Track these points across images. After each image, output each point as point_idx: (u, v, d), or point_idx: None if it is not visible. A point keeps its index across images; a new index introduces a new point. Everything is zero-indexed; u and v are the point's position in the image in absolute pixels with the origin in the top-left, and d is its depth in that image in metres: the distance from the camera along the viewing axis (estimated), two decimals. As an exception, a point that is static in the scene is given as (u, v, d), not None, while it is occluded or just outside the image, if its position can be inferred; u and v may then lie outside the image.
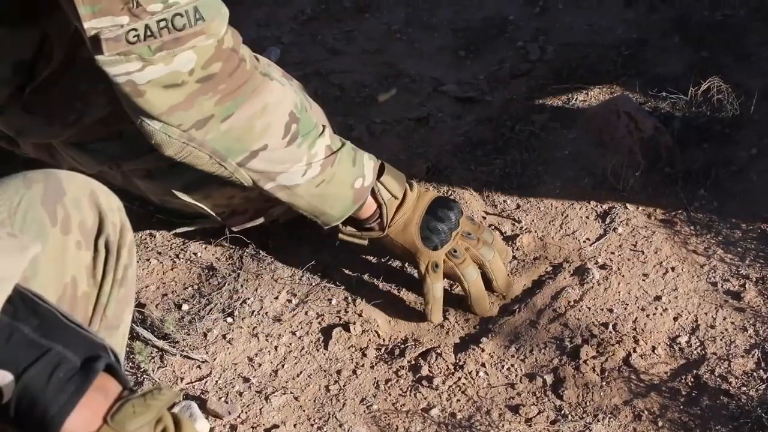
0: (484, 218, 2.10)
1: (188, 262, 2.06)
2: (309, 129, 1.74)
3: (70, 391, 0.96)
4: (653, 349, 1.81)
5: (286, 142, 1.70)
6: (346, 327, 1.90)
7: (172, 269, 2.05)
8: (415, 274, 1.93)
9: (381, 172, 1.86)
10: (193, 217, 2.05)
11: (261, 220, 2.01)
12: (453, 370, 1.82)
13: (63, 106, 1.80)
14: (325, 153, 1.76)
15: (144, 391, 1.00)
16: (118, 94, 1.58)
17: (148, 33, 1.50)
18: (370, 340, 1.89)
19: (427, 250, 1.87)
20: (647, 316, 1.87)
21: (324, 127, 1.79)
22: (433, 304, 1.88)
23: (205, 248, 2.09)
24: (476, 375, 1.80)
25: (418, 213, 1.88)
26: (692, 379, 1.75)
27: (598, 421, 1.70)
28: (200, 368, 1.85)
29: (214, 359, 1.86)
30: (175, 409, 1.70)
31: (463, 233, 1.91)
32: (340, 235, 1.91)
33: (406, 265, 2.00)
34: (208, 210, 1.95)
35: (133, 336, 1.86)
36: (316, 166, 1.75)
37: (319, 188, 1.78)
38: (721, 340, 1.81)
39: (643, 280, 1.94)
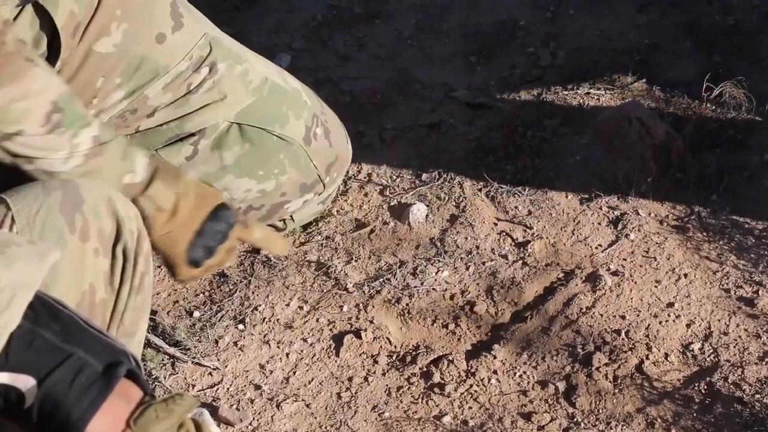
0: (496, 224, 2.10)
1: (200, 268, 2.06)
2: (75, 119, 1.62)
3: (93, 396, 0.97)
4: (666, 356, 1.81)
5: (45, 130, 1.59)
6: (357, 334, 1.89)
7: (183, 276, 2.05)
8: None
9: (154, 173, 1.68)
10: None
11: (277, 216, 2.01)
12: (465, 377, 1.81)
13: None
14: (92, 143, 1.62)
15: (166, 397, 1.01)
16: None
17: None
18: (381, 347, 1.88)
19: (188, 269, 1.70)
20: (660, 322, 1.86)
21: (94, 118, 1.68)
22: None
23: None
24: (488, 382, 1.80)
25: (191, 230, 1.68)
26: (705, 387, 1.75)
27: (611, 428, 1.69)
28: (212, 375, 1.85)
29: (226, 366, 1.86)
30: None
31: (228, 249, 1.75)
32: None
33: (418, 271, 2.00)
34: None
35: (145, 343, 1.85)
36: (79, 156, 1.62)
37: (83, 178, 1.63)
38: (734, 347, 1.81)
39: (656, 287, 1.93)
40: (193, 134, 1.89)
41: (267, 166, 1.94)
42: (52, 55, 1.74)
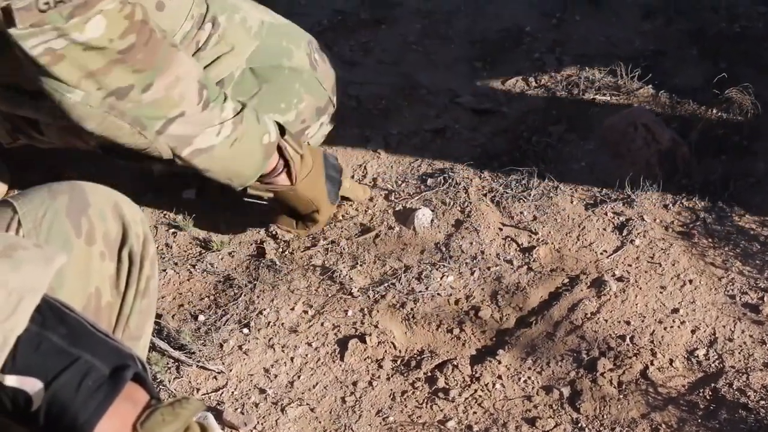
0: (501, 230, 2.10)
1: (205, 272, 2.06)
2: (216, 94, 1.80)
3: (99, 399, 0.97)
4: (671, 362, 1.80)
5: (200, 107, 1.76)
6: (362, 338, 1.89)
7: (188, 280, 2.05)
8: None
9: (282, 130, 1.94)
10: None
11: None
12: (469, 382, 1.81)
13: None
14: (233, 113, 1.82)
15: (172, 400, 1.01)
16: (35, 73, 1.61)
17: None
18: (386, 351, 1.88)
19: (329, 204, 2.05)
20: (665, 328, 1.86)
21: (226, 91, 1.88)
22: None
23: (222, 259, 2.09)
24: (493, 387, 1.80)
25: (319, 168, 2.01)
26: (710, 393, 1.74)
27: (616, 434, 1.69)
28: (216, 379, 1.85)
29: (230, 370, 1.86)
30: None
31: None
32: (248, 192, 1.97)
33: (423, 276, 2.00)
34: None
35: (150, 346, 1.86)
36: (227, 125, 1.81)
37: (233, 148, 1.83)
38: (739, 353, 1.81)
39: (661, 293, 1.93)
40: None
41: (287, 98, 2.07)
42: None
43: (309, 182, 1.99)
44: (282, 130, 1.94)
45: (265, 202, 2.00)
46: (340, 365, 1.86)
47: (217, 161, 1.85)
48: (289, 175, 1.96)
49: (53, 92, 1.64)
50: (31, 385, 0.96)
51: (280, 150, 1.93)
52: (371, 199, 2.19)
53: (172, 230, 2.16)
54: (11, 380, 0.96)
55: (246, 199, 1.99)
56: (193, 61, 1.80)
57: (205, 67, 1.96)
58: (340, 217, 2.16)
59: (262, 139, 1.88)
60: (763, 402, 1.71)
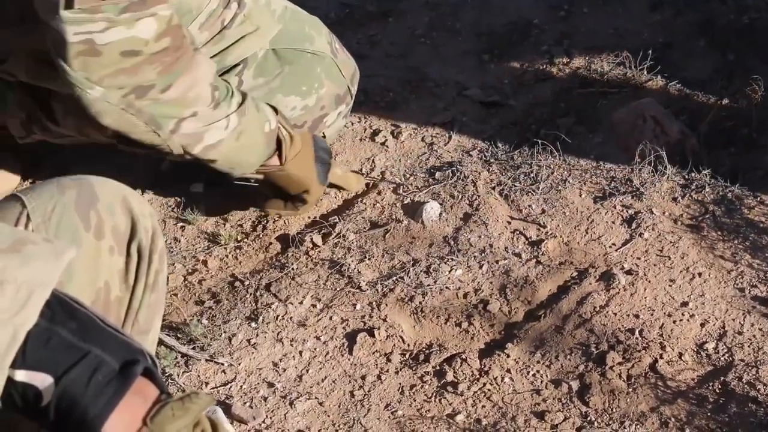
0: (509, 223, 2.10)
1: (213, 266, 2.06)
2: (225, 92, 1.85)
3: (110, 394, 0.97)
4: (680, 355, 1.80)
5: (212, 106, 1.81)
6: (370, 332, 1.89)
7: (196, 273, 2.05)
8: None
9: (275, 110, 1.97)
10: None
11: (317, 131, 2.16)
12: (478, 376, 1.81)
13: None
14: (237, 105, 1.86)
15: (182, 395, 1.01)
16: (62, 60, 1.64)
17: None
18: (394, 345, 1.88)
19: (319, 185, 2.06)
20: (674, 322, 1.86)
21: (228, 84, 1.90)
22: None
23: (230, 253, 2.09)
24: (501, 381, 1.80)
25: (309, 149, 2.02)
26: (720, 386, 1.74)
27: (625, 428, 1.69)
28: (225, 373, 1.85)
29: (239, 364, 1.86)
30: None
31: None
32: (236, 175, 2.00)
33: (431, 269, 2.00)
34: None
35: (159, 341, 1.86)
36: (233, 118, 1.85)
37: (239, 140, 1.87)
38: (748, 346, 1.80)
39: (670, 286, 1.93)
40: (236, 65, 2.04)
41: (308, 81, 2.10)
42: None
43: (298, 162, 2.01)
44: (274, 110, 1.97)
45: (254, 184, 2.03)
46: (349, 359, 1.86)
47: (224, 153, 1.89)
48: (280, 155, 1.98)
49: (75, 86, 1.67)
50: (41, 380, 0.96)
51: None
52: (379, 193, 2.19)
53: (180, 224, 2.16)
54: (21, 375, 0.96)
55: (236, 182, 2.02)
56: (209, 63, 1.84)
57: (229, 46, 2.01)
58: (348, 211, 2.15)
59: (264, 127, 1.91)
60: (773, 395, 1.70)
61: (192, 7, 1.92)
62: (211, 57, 1.98)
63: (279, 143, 1.97)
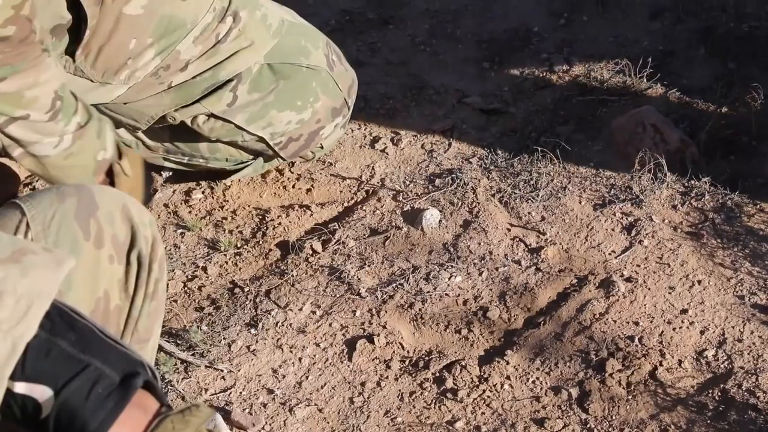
0: (509, 230, 2.10)
1: (212, 273, 2.06)
2: (69, 109, 1.77)
3: (110, 407, 0.96)
4: (680, 362, 1.80)
5: (48, 116, 1.73)
6: (370, 339, 1.89)
7: (196, 280, 2.06)
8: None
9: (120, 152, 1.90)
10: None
11: (313, 144, 2.15)
12: (477, 383, 1.81)
13: (116, 65, 1.90)
14: (76, 127, 1.79)
15: (182, 407, 1.00)
16: None
17: None
18: (394, 352, 1.88)
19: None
20: (673, 329, 1.86)
21: (78, 103, 1.81)
22: None
23: (230, 259, 2.09)
24: (501, 388, 1.80)
25: (139, 171, 1.95)
26: (719, 394, 1.74)
27: (625, 435, 1.69)
28: (224, 379, 1.85)
29: (239, 370, 1.86)
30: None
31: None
32: None
33: (431, 276, 2.00)
34: (267, 139, 2.10)
35: (158, 347, 1.86)
36: (67, 139, 1.78)
37: (66, 160, 1.81)
38: (748, 354, 1.80)
39: (669, 293, 1.93)
40: (230, 80, 2.02)
41: (303, 95, 2.09)
42: (83, 22, 1.83)
43: (126, 188, 1.91)
44: (119, 151, 1.90)
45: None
46: (348, 366, 1.86)
47: (45, 168, 1.82)
48: (112, 183, 1.91)
49: None
50: (41, 392, 0.95)
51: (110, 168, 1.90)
52: (379, 200, 2.19)
53: (180, 231, 2.16)
54: (21, 387, 0.95)
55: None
56: (59, 71, 1.79)
57: (222, 61, 1.99)
58: (347, 218, 2.15)
59: (97, 155, 1.85)
60: (772, 403, 1.70)
61: (186, 21, 1.91)
62: (204, 71, 1.98)
63: (112, 182, 1.90)
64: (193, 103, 2.03)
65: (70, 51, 1.86)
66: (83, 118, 1.82)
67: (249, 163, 2.20)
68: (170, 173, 2.28)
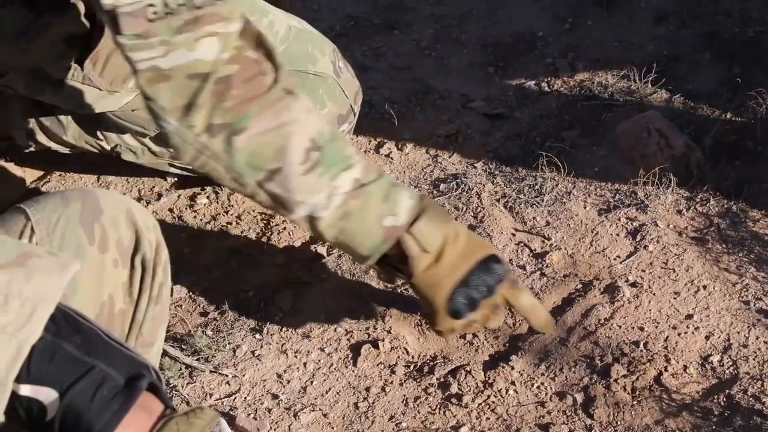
0: (514, 235, 2.10)
1: (217, 278, 2.06)
2: (335, 161, 1.58)
3: (114, 409, 0.97)
4: (685, 368, 1.80)
5: (304, 168, 1.56)
6: (375, 344, 1.89)
7: (200, 285, 2.06)
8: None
9: (420, 214, 1.64)
10: None
11: None
12: (482, 388, 1.81)
13: (123, 73, 1.88)
14: (352, 186, 1.60)
15: (187, 410, 1.01)
16: (142, 90, 1.50)
17: (167, 9, 1.39)
18: (399, 357, 1.88)
19: (449, 319, 1.69)
20: (679, 334, 1.85)
21: (359, 160, 1.63)
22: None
23: (234, 264, 2.09)
24: (506, 393, 1.80)
25: (456, 277, 1.65)
26: (725, 399, 1.74)
27: (630, 440, 1.69)
28: (229, 384, 1.85)
29: (243, 375, 1.86)
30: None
31: (493, 306, 1.72)
32: (372, 269, 1.77)
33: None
34: None
35: (163, 352, 1.86)
36: (338, 198, 1.59)
37: (342, 221, 1.61)
38: (753, 359, 1.80)
39: (675, 299, 1.92)
40: None
41: None
42: (95, 31, 1.83)
43: (429, 282, 1.66)
44: (419, 216, 1.63)
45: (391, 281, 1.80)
46: (353, 371, 1.86)
47: (325, 231, 1.63)
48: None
49: (155, 116, 1.51)
50: (46, 394, 0.96)
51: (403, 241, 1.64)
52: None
53: (185, 235, 2.16)
54: (26, 390, 0.96)
55: (374, 273, 1.82)
56: (314, 117, 1.59)
57: None
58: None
59: (383, 220, 1.61)
60: (777, 409, 1.70)
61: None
62: None
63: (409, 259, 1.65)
64: None
65: (79, 59, 1.85)
66: (366, 176, 1.61)
67: None
68: (175, 178, 2.29)
